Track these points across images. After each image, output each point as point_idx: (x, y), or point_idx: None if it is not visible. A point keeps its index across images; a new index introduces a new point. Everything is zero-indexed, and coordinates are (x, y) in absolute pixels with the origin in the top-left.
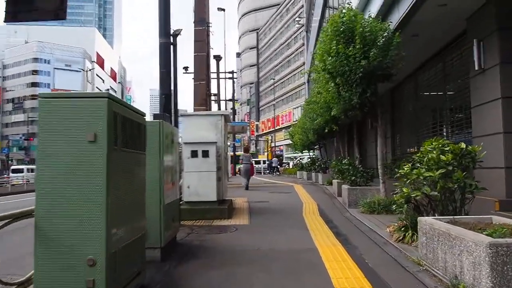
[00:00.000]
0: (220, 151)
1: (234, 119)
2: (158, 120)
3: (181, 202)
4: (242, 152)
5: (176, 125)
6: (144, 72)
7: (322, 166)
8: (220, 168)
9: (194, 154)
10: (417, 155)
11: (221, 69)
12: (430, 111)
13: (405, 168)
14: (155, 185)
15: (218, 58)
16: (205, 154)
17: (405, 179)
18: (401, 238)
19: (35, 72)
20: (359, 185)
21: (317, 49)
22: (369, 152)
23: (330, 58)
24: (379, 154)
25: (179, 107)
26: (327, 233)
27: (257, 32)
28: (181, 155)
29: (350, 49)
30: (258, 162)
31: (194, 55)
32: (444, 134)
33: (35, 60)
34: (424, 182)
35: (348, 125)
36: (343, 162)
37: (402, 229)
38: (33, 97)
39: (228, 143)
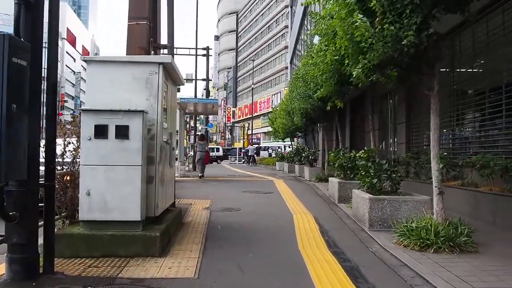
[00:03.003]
0: (154, 129)
1: None
2: None
3: (75, 220)
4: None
5: (53, 69)
6: (122, 52)
7: (310, 157)
8: (153, 161)
9: (100, 131)
10: None
11: (191, 44)
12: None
13: None
14: None
15: None
16: (122, 132)
17: None
18: None
19: None
20: (384, 192)
21: None
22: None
23: None
24: (434, 145)
25: None
26: None
27: (237, 15)
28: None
29: None
30: (213, 150)
31: None
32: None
33: None
34: None
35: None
36: (359, 154)
37: None
38: None
39: (200, 127)
